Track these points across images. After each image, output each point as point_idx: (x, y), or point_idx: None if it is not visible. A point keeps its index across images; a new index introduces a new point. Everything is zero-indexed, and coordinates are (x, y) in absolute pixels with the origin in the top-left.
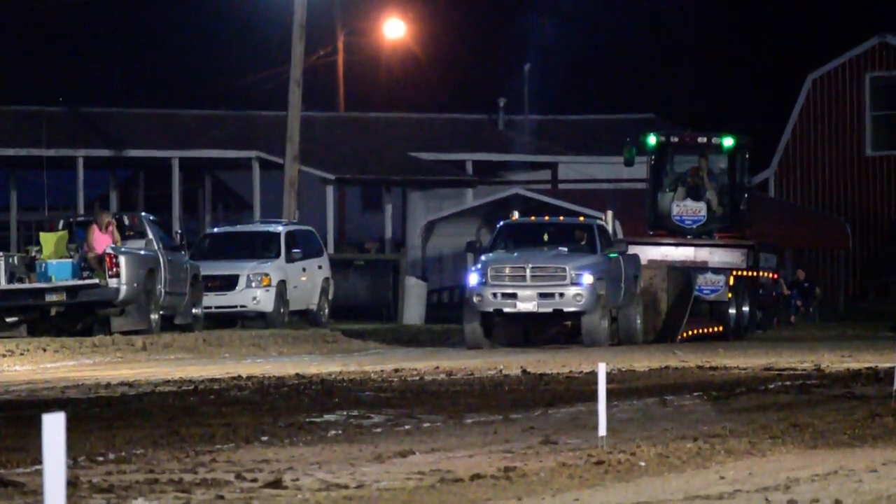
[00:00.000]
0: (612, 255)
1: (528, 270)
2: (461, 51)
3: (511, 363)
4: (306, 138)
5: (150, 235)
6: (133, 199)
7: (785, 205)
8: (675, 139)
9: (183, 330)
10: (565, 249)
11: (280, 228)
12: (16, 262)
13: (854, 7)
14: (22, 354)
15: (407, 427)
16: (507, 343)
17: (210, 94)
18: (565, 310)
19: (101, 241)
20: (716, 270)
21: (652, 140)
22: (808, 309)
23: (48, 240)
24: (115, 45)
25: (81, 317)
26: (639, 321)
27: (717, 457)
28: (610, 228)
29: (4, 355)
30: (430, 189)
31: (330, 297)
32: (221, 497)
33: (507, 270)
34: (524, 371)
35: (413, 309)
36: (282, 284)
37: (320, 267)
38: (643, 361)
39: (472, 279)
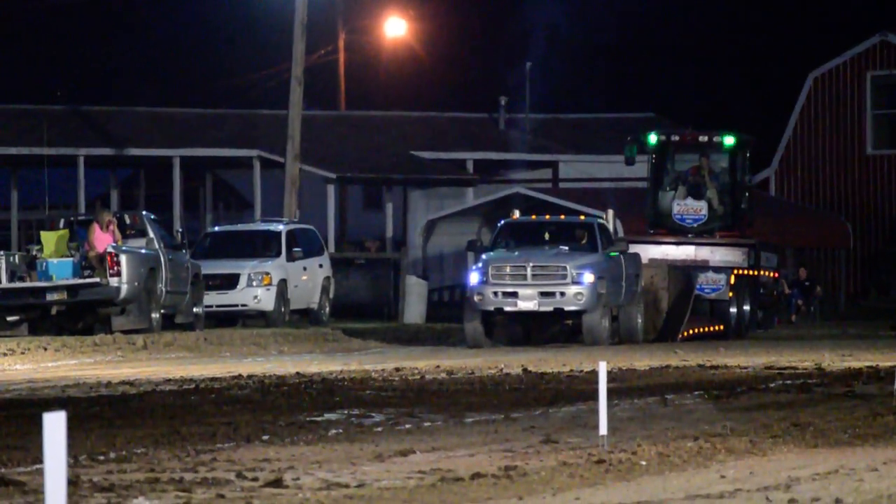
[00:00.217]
0: (612, 253)
1: (528, 269)
2: (462, 49)
3: (512, 362)
4: (307, 137)
5: (151, 234)
6: (134, 198)
7: (786, 203)
8: (675, 138)
9: (184, 329)
10: (566, 248)
11: (281, 227)
12: (17, 260)
13: (855, 5)
14: (23, 353)
15: (408, 426)
16: (507, 342)
17: (211, 93)
18: (566, 309)
19: (102, 239)
20: (717, 269)
21: (653, 139)
22: (808, 308)
23: (49, 238)
24: (115, 44)
25: (82, 316)
26: (639, 320)
27: (718, 456)
28: (611, 227)
29: (5, 354)
30: (431, 188)
31: (331, 295)
32: (222, 496)
33: (508, 269)
34: (525, 370)
35: (414, 308)
36: (283, 283)
37: (321, 266)
38: (644, 360)
39: (473, 278)
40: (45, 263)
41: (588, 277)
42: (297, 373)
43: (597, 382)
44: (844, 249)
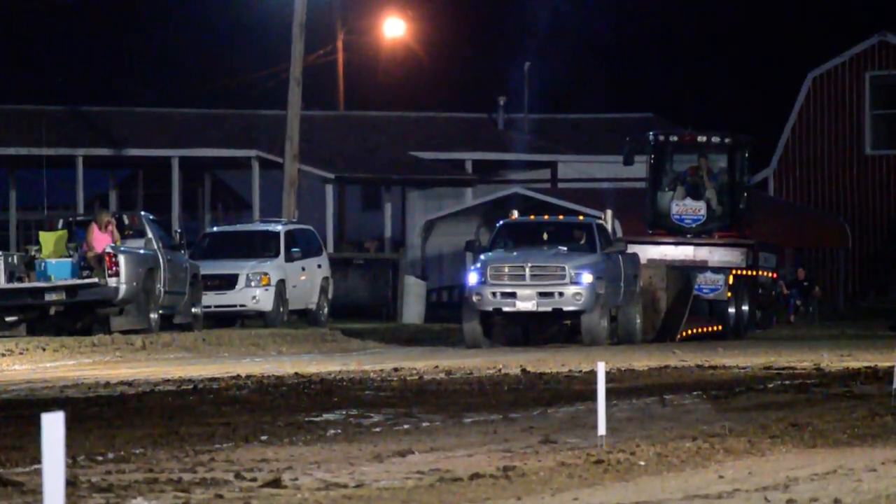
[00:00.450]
0: (611, 254)
1: (527, 269)
2: (461, 50)
3: (510, 362)
4: (306, 137)
5: (150, 234)
6: (132, 199)
7: (784, 204)
8: (674, 138)
9: (182, 329)
10: (565, 248)
11: (279, 227)
12: (15, 261)
13: (855, 5)
14: (21, 354)
15: (406, 426)
16: (506, 342)
17: (210, 93)
18: (565, 309)
19: (101, 240)
20: (715, 269)
21: (651, 139)
22: (807, 308)
23: (47, 239)
24: (115, 44)
25: (81, 316)
26: (638, 320)
27: (717, 456)
28: (609, 227)
29: (4, 354)
30: (430, 188)
31: (329, 296)
32: (220, 496)
33: (507, 269)
34: (523, 370)
35: (412, 308)
36: (281, 284)
37: (320, 266)
38: (642, 360)
39: (472, 278)
40: (43, 264)
41: (587, 278)
42: (296, 373)
43: (595, 383)
44: (843, 250)
